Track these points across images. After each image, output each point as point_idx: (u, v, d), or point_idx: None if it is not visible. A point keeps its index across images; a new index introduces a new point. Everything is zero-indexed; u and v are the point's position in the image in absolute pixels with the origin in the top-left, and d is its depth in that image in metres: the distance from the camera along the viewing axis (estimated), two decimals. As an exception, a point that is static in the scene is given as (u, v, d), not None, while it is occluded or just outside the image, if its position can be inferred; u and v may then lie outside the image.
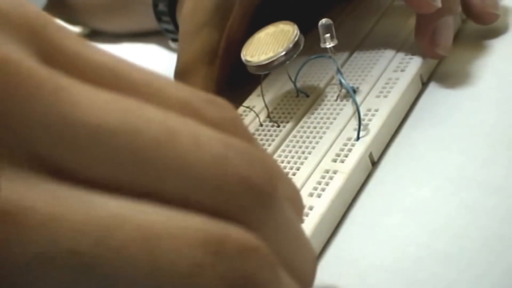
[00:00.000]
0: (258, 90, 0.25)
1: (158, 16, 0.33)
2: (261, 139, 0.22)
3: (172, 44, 0.35)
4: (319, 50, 0.23)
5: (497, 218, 0.17)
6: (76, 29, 0.41)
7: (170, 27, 0.33)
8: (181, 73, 0.25)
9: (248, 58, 0.22)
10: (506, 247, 0.16)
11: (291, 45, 0.22)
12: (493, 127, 0.20)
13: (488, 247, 0.16)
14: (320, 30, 0.21)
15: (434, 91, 0.23)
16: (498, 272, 0.15)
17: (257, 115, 0.24)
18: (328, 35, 0.21)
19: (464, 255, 0.16)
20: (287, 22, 0.23)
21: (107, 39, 0.40)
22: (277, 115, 0.23)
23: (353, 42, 0.26)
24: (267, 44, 0.22)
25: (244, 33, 0.25)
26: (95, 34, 0.41)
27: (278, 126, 0.23)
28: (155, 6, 0.33)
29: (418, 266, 0.16)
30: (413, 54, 0.23)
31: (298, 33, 0.22)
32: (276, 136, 0.22)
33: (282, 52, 0.22)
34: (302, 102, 0.24)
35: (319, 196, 0.19)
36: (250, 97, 0.26)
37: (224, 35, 0.25)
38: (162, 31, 0.34)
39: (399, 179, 0.20)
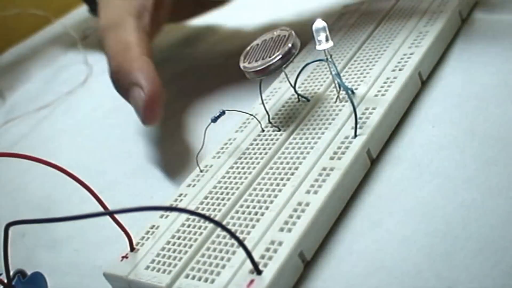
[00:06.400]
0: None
1: None
2: (262, 144, 0.23)
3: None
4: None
5: (498, 218, 0.16)
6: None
7: None
8: (107, 27, 0.25)
9: (246, 65, 0.23)
10: (508, 248, 0.15)
11: (287, 49, 0.22)
12: (493, 126, 0.20)
13: (489, 247, 0.16)
14: (314, 32, 0.21)
15: (433, 89, 0.23)
16: (499, 273, 0.15)
17: (259, 122, 0.24)
18: (322, 37, 0.21)
19: (464, 256, 0.16)
20: (284, 27, 0.23)
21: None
22: (278, 120, 0.24)
23: (354, 45, 0.26)
24: (264, 50, 0.23)
25: None
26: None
27: (279, 130, 0.23)
28: None
29: (419, 267, 0.16)
30: (411, 53, 0.23)
31: (294, 37, 0.22)
32: (277, 139, 0.22)
33: (278, 55, 0.22)
34: (303, 106, 0.24)
35: (315, 192, 0.19)
36: (253, 105, 0.26)
37: None
38: None
39: (399, 178, 0.20)
